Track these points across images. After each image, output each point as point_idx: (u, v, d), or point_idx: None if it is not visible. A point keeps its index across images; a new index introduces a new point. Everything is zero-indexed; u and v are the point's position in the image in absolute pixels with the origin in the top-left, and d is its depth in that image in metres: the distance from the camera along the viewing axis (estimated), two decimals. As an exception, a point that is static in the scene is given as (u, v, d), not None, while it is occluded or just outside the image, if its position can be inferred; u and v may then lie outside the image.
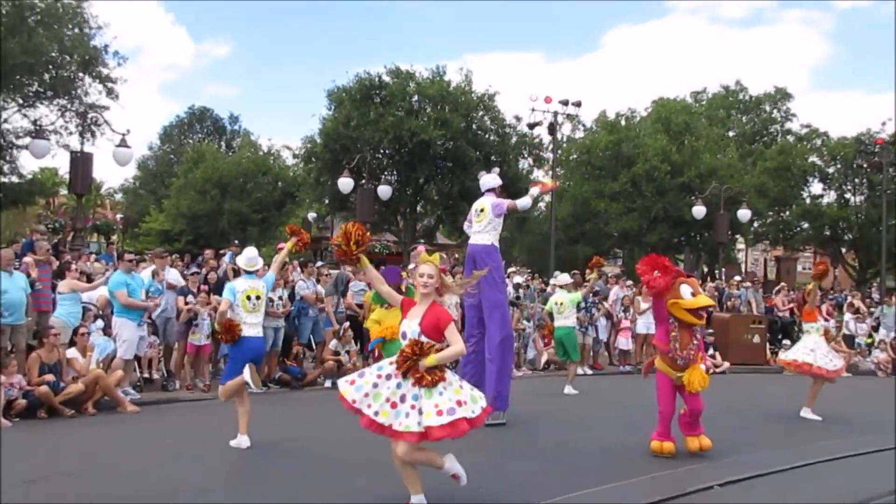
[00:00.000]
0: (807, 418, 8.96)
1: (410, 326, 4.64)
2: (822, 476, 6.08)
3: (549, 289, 14.35)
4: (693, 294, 6.27)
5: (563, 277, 11.95)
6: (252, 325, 6.67)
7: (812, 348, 9.06)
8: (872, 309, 18.63)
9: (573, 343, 11.22)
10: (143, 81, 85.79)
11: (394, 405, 4.51)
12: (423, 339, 4.55)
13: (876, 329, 17.81)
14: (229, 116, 51.63)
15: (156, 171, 48.61)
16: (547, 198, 32.11)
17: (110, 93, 26.01)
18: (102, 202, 45.08)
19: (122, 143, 16.46)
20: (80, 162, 15.76)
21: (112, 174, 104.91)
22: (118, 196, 51.99)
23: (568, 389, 10.90)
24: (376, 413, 4.51)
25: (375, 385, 4.58)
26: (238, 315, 6.68)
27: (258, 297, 6.73)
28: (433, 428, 4.43)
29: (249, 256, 7.06)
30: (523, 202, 8.26)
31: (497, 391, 7.82)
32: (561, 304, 11.10)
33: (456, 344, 4.59)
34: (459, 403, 4.53)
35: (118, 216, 39.62)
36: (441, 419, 4.44)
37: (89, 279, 10.54)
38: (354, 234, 4.99)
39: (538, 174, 31.75)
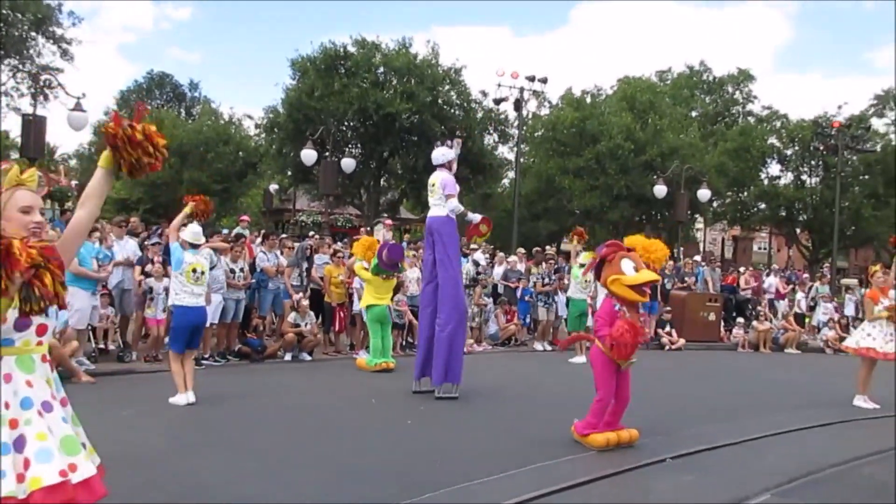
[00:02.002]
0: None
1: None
2: (772, 448, 6.25)
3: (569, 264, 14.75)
4: (636, 269, 5.70)
5: (583, 254, 12.60)
6: (196, 296, 7.33)
7: None
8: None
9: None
10: (100, 43, 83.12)
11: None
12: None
13: (812, 308, 18.36)
14: (189, 83, 50.50)
15: (112, 137, 47.25)
16: (511, 174, 32.26)
17: (65, 54, 25.19)
18: (56, 168, 43.77)
19: (77, 107, 15.96)
20: (33, 125, 15.22)
21: (66, 139, 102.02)
22: (73, 162, 50.52)
23: (579, 359, 11.50)
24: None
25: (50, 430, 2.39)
26: (184, 285, 7.30)
27: (202, 272, 7.43)
28: (45, 491, 2.24)
29: (195, 231, 7.53)
30: (457, 208, 8.20)
31: (448, 364, 7.88)
32: (588, 280, 11.87)
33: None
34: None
35: (73, 182, 38.48)
36: (58, 471, 2.28)
37: (42, 247, 10.22)
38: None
39: (502, 149, 31.77)
